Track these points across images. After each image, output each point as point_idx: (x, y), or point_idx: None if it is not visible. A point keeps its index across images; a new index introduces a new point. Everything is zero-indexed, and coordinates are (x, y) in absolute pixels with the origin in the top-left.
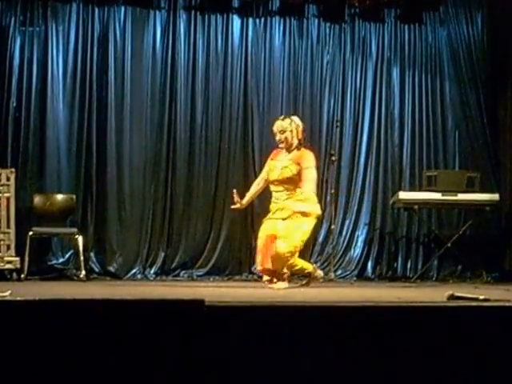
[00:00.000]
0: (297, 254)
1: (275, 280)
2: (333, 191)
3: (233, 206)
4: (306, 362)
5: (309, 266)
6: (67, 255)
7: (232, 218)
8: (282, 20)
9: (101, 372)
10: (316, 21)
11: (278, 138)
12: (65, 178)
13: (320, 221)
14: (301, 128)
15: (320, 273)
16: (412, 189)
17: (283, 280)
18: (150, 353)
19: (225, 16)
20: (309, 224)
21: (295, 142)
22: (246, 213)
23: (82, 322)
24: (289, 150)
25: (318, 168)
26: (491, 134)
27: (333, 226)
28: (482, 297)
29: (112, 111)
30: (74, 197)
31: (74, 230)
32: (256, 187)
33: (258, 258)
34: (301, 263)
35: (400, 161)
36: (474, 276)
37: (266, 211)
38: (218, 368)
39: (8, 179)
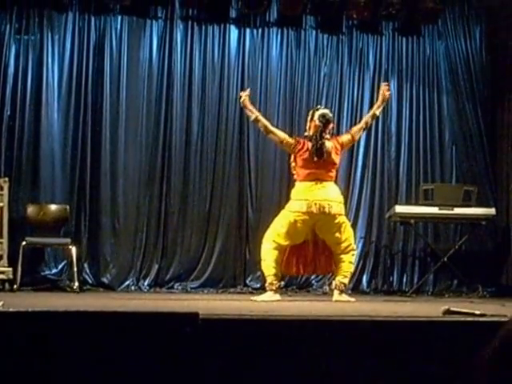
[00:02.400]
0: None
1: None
2: None
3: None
4: (301, 375)
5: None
6: (60, 266)
7: (227, 230)
8: (279, 31)
9: None
10: (314, 32)
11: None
12: (59, 188)
13: None
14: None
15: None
16: (408, 202)
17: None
18: (143, 366)
19: (222, 26)
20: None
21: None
22: (240, 225)
23: (74, 333)
24: None
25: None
26: (488, 148)
27: None
28: (478, 312)
29: (107, 121)
30: (68, 207)
31: (68, 240)
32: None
33: None
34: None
35: (396, 174)
36: (470, 291)
37: (259, 225)
38: (213, 381)
39: (1, 189)
